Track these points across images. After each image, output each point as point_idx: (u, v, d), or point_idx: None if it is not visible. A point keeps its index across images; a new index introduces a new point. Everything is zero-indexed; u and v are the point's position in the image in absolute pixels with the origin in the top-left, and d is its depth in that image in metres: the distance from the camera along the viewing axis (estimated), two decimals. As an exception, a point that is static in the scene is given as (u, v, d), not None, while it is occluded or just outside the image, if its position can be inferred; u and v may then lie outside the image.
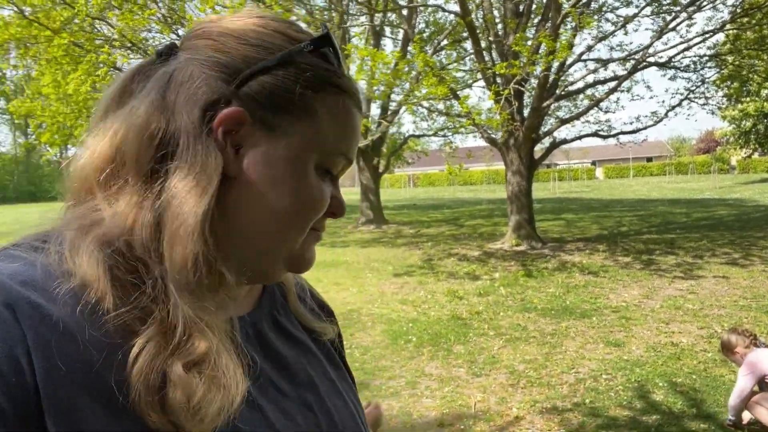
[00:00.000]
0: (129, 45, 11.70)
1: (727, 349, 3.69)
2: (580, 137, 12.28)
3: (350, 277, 9.13)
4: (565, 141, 12.25)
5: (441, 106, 16.07)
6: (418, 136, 19.33)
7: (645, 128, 12.55)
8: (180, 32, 12.08)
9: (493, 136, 12.12)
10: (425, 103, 14.09)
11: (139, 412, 0.47)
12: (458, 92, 11.96)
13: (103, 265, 0.50)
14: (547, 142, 12.86)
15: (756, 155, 42.34)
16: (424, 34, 18.92)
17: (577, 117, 12.03)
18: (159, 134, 0.54)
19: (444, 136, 20.66)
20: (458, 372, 4.75)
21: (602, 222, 16.55)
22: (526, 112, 11.63)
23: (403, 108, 16.21)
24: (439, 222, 18.88)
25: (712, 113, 14.09)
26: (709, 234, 12.87)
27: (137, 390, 0.46)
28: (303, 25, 0.67)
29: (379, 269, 9.87)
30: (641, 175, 57.43)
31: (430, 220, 19.67)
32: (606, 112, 13.41)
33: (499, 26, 11.98)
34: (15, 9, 10.33)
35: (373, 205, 17.52)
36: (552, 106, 12.18)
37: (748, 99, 27.99)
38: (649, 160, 65.01)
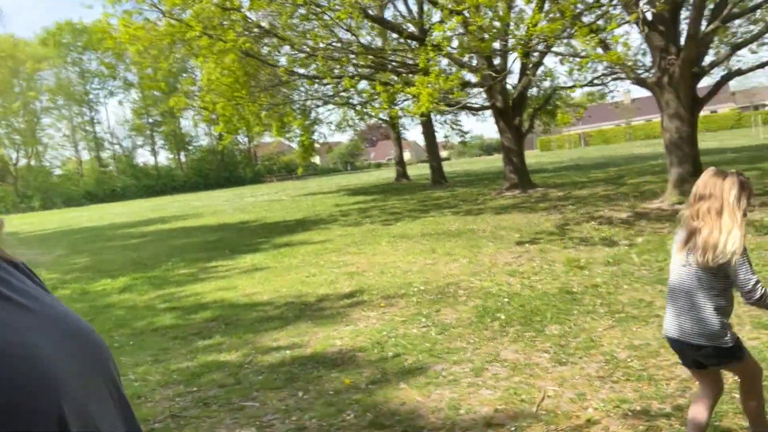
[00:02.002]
0: (256, 32, 12.24)
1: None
2: (763, 64, 9.75)
3: (467, 247, 8.49)
4: (739, 72, 9.86)
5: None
6: (566, 88, 17.40)
7: None
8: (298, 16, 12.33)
9: (643, 75, 10.27)
10: (562, 49, 12.49)
11: None
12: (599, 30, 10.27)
13: None
14: (718, 75, 10.50)
15: None
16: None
17: (753, 40, 9.57)
18: None
19: (600, 84, 18.41)
20: (539, 358, 3.97)
21: (811, 169, 13.28)
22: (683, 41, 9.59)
23: (554, 60, 14.58)
24: (596, 182, 16.96)
25: None
26: None
27: None
28: None
29: (504, 237, 9.05)
30: None
31: (587, 181, 17.80)
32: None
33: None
34: (157, 10, 11.41)
35: (517, 169, 16.31)
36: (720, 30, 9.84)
37: None
38: None
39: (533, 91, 19.72)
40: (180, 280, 8.25)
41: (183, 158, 62.76)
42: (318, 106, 23.04)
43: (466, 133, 27.32)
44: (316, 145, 35.57)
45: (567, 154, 44.13)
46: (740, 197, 2.37)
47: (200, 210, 23.73)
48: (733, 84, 52.41)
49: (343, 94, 19.20)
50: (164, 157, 69.37)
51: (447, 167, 45.00)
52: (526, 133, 16.79)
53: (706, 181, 2.47)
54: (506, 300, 5.42)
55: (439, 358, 4.18)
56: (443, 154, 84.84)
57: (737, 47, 9.68)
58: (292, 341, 4.88)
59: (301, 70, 15.35)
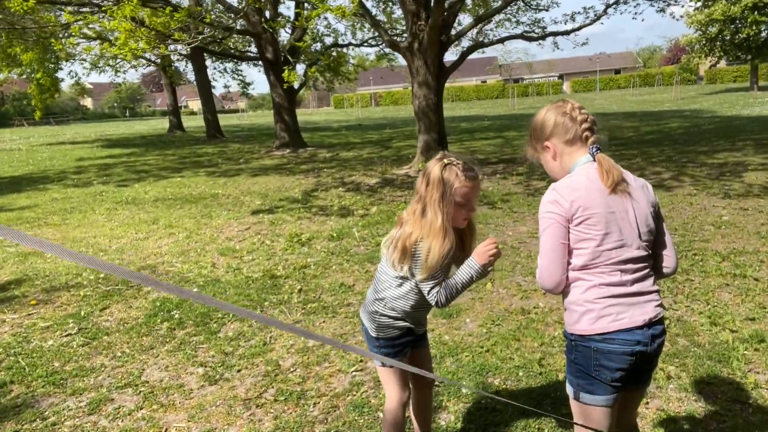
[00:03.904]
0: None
1: (536, 136, 1.78)
2: (501, 40, 10.33)
3: (197, 217, 7.43)
4: (482, 44, 10.28)
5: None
6: (341, 46, 16.99)
7: (580, 27, 10.63)
8: None
9: (397, 39, 10.10)
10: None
11: None
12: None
13: None
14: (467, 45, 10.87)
15: (723, 64, 40.54)
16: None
17: (494, 13, 9.99)
18: None
19: (375, 45, 18.38)
20: (189, 376, 3.20)
21: (542, 139, 14.94)
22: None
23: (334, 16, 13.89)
24: (367, 144, 17.08)
25: (662, 11, 12.19)
26: (648, 150, 11.42)
27: None
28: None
29: (244, 204, 8.18)
30: (608, 88, 55.63)
31: (359, 142, 17.86)
32: (537, 9, 11.30)
33: None
34: None
35: (288, 127, 15.51)
36: (468, 1, 10.12)
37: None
38: (618, 72, 62.84)
39: (317, 46, 18.95)
40: None
41: None
42: (62, 38, 19.16)
43: (249, 84, 25.52)
44: (88, 86, 30.34)
45: (356, 113, 45.01)
46: (443, 198, 1.86)
47: None
48: (501, 58, 58.65)
49: (79, 23, 16.02)
50: None
51: (235, 120, 42.56)
52: (299, 89, 16.01)
53: (422, 173, 1.97)
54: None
55: (58, 386, 3.14)
56: (240, 105, 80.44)
57: (479, 20, 10.05)
58: None
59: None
